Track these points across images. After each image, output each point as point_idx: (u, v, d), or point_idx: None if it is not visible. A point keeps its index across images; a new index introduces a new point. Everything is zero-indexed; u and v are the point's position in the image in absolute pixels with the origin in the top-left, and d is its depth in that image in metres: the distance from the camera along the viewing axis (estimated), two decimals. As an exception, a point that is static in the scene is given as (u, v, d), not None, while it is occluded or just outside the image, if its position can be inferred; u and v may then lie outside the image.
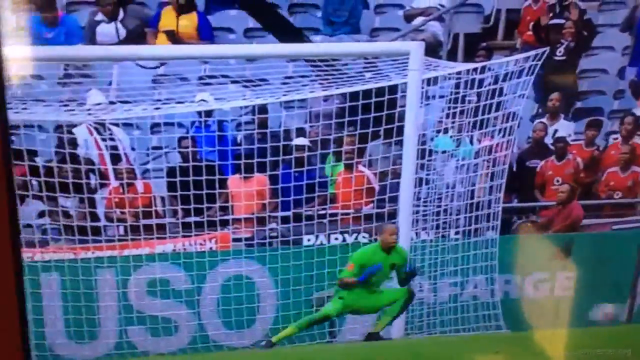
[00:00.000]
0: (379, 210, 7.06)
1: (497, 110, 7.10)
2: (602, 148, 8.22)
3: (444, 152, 7.29)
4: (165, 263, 6.92)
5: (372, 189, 7.43)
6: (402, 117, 6.86)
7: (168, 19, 8.72)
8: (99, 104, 7.54)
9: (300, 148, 7.46)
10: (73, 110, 7.28)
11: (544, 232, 7.49)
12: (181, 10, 8.73)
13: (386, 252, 6.04)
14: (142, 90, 7.50)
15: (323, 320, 6.14)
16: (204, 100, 7.51)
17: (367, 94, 6.95)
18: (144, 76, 8.35)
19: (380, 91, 6.93)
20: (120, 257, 6.86)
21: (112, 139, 7.66)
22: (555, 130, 8.24)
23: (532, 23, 8.86)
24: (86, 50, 7.99)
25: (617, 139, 8.19)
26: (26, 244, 6.68)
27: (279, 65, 7.79)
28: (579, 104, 8.90)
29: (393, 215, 6.82)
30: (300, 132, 7.68)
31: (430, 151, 7.12)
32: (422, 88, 6.82)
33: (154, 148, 7.69)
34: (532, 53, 7.15)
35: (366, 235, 7.10)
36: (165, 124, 7.51)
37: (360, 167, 7.54)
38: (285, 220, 7.24)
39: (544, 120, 8.37)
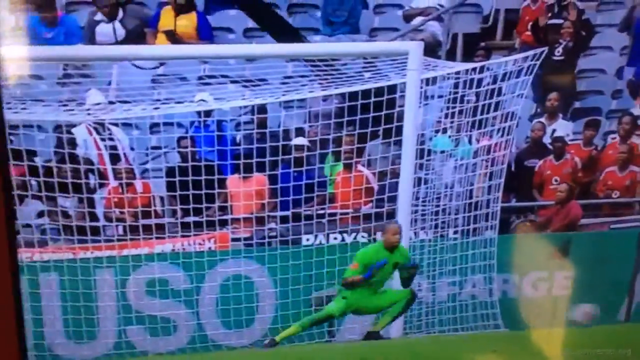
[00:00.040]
0: (378, 210, 7.07)
1: (495, 110, 7.11)
2: (600, 148, 8.23)
3: (442, 151, 7.30)
4: (164, 263, 6.93)
5: (371, 188, 7.44)
6: (401, 117, 6.87)
7: (167, 19, 8.73)
8: (98, 103, 7.55)
9: (299, 148, 7.47)
10: (72, 110, 7.29)
11: (543, 232, 7.50)
12: (180, 10, 8.74)
13: (389, 251, 6.06)
14: (142, 90, 7.51)
15: (326, 319, 6.16)
16: (203, 100, 7.51)
17: (366, 93, 6.96)
18: (143, 76, 8.36)
19: (379, 91, 6.94)
20: (119, 257, 6.87)
21: (111, 139, 7.66)
22: (554, 130, 8.25)
23: (530, 23, 8.87)
24: (85, 50, 8.00)
25: (615, 138, 8.20)
26: (25, 244, 6.69)
27: (279, 65, 7.80)
28: (577, 104, 8.91)
29: (392, 214, 6.84)
30: (300, 132, 7.68)
31: (429, 151, 7.13)
32: (421, 88, 6.82)
33: (153, 148, 7.70)
34: (530, 53, 7.16)
35: (365, 234, 7.11)
36: (165, 123, 7.52)
37: (359, 167, 7.55)
38: (284, 220, 7.25)
39: (543, 120, 8.38)
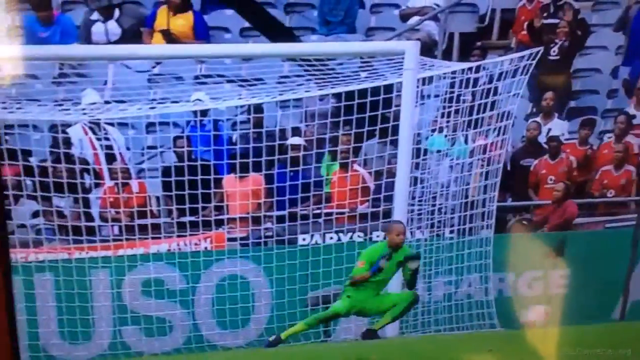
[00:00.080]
0: (374, 210, 7.06)
1: (491, 109, 7.11)
2: (596, 147, 8.24)
3: (438, 151, 7.30)
4: (160, 263, 6.92)
5: (367, 188, 7.44)
6: (397, 117, 6.87)
7: (164, 19, 8.71)
8: (94, 103, 7.54)
9: (295, 147, 7.46)
10: (68, 109, 7.27)
11: (538, 231, 7.50)
12: (177, 10, 8.73)
13: (393, 250, 6.07)
14: (138, 89, 7.49)
15: (332, 317, 6.18)
16: (199, 100, 7.50)
17: (362, 93, 6.95)
18: (139, 76, 8.34)
19: (375, 90, 6.94)
20: (114, 257, 6.85)
21: (107, 139, 7.65)
22: (549, 129, 8.26)
23: (526, 23, 8.88)
24: (81, 49, 7.97)
25: (610, 137, 8.21)
26: (20, 244, 6.67)
27: (275, 64, 7.79)
28: (572, 103, 8.92)
29: (388, 214, 6.83)
30: (296, 131, 7.68)
31: (425, 150, 7.13)
32: (417, 87, 6.82)
33: (149, 147, 7.69)
34: (526, 52, 7.16)
35: (361, 234, 7.11)
36: (161, 123, 7.51)
37: (356, 167, 7.55)
38: (280, 219, 7.24)
39: (538, 119, 8.39)
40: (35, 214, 7.16)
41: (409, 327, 6.66)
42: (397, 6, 9.49)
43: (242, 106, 7.70)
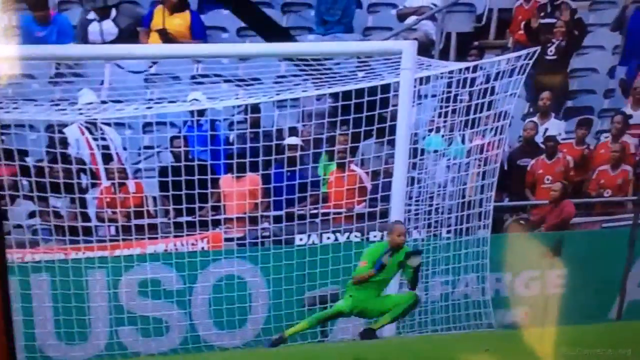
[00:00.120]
0: (371, 209, 7.06)
1: (488, 109, 7.11)
2: (593, 146, 8.25)
3: (435, 151, 7.30)
4: (157, 263, 6.91)
5: (364, 188, 7.44)
6: (394, 116, 6.87)
7: (160, 18, 8.70)
8: (90, 103, 7.52)
9: (292, 147, 7.46)
10: (64, 109, 7.26)
11: (536, 230, 7.51)
12: (174, 9, 8.71)
13: (394, 251, 6.07)
14: (134, 89, 7.48)
15: (336, 316, 6.20)
16: (196, 100, 7.50)
17: (359, 93, 6.95)
18: (135, 75, 8.32)
19: (372, 90, 6.94)
20: (111, 257, 6.84)
21: (103, 139, 7.64)
22: (546, 129, 8.26)
23: (523, 22, 8.89)
24: (78, 49, 7.96)
25: (607, 137, 8.22)
26: (16, 245, 6.65)
27: (272, 64, 7.79)
28: (569, 103, 8.94)
29: (385, 214, 6.84)
30: (293, 131, 7.67)
31: (422, 150, 7.13)
32: (415, 87, 6.82)
33: (146, 147, 7.68)
34: (523, 52, 7.17)
35: (358, 234, 7.11)
36: (157, 123, 7.50)
37: (353, 166, 7.55)
38: (277, 219, 7.24)
39: (535, 119, 8.40)
40: (31, 214, 7.15)
41: (406, 327, 6.67)
42: (394, 6, 9.49)
43: (239, 106, 7.69)
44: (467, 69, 7.17)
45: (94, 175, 7.52)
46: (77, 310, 6.68)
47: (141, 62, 8.41)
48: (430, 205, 7.02)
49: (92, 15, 8.74)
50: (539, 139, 8.22)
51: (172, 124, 7.86)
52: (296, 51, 7.59)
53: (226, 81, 7.98)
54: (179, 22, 8.74)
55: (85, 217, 7.22)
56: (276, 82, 7.58)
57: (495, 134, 7.14)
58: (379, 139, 7.23)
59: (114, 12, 8.77)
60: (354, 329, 6.54)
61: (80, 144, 7.57)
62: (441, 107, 7.26)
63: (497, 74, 7.15)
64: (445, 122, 7.28)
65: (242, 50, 7.77)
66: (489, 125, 7.16)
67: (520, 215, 7.82)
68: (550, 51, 8.64)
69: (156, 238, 7.07)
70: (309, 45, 8.30)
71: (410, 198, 6.90)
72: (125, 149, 7.68)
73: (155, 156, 7.73)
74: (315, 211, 7.22)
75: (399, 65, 6.75)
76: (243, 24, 8.94)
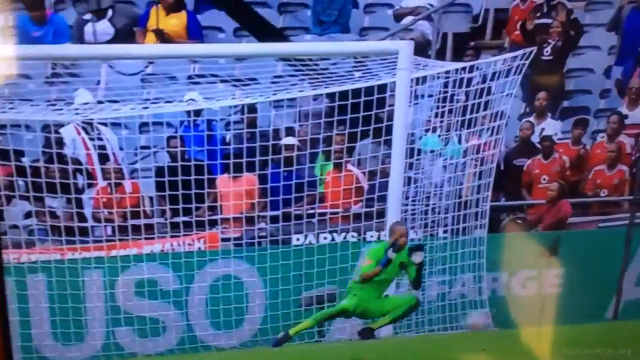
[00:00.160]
0: (368, 209, 7.07)
1: (485, 109, 7.12)
2: (589, 146, 8.27)
3: (432, 151, 7.31)
4: (154, 263, 6.90)
5: (361, 188, 7.44)
6: (391, 117, 6.88)
7: (156, 18, 8.69)
8: (86, 103, 7.51)
9: (289, 147, 7.46)
10: (61, 109, 7.24)
11: (532, 230, 7.52)
12: (170, 9, 8.70)
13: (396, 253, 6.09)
14: (131, 89, 7.47)
15: (340, 314, 6.21)
16: (192, 100, 7.49)
17: (356, 93, 6.95)
18: (130, 76, 8.31)
19: (369, 90, 6.94)
20: (107, 257, 6.83)
21: (100, 139, 7.62)
22: (542, 129, 8.28)
23: (520, 23, 8.90)
24: (74, 49, 7.94)
25: (603, 137, 8.24)
26: (12, 245, 6.64)
27: (269, 64, 7.79)
28: (565, 103, 8.96)
29: (382, 214, 6.84)
30: (290, 131, 7.68)
31: (419, 150, 7.14)
32: (411, 87, 6.83)
33: (143, 147, 7.66)
34: (519, 52, 7.19)
35: (355, 234, 7.12)
36: (154, 123, 7.49)
37: (349, 166, 7.55)
38: (274, 219, 7.24)
39: (531, 119, 8.42)
40: (27, 215, 7.13)
41: (403, 326, 6.67)
42: (390, 6, 9.50)
43: (235, 106, 7.69)
44: (464, 69, 7.19)
45: (91, 175, 7.50)
46: (73, 311, 6.67)
47: (137, 62, 8.39)
48: (427, 205, 7.03)
49: (88, 15, 8.72)
50: (535, 139, 8.24)
51: (169, 124, 7.86)
52: (293, 51, 7.59)
53: (223, 81, 7.98)
54: (176, 22, 8.73)
55: (82, 218, 7.21)
56: (273, 82, 7.58)
57: (491, 134, 7.16)
58: (375, 139, 7.24)
59: (110, 12, 8.76)
60: (352, 329, 6.54)
61: (77, 144, 7.56)
62: (438, 107, 7.27)
63: (494, 74, 7.16)
64: (441, 122, 7.29)
65: (239, 50, 7.77)
66: (485, 125, 7.18)
67: (516, 215, 7.84)
68: (547, 51, 8.65)
69: (153, 238, 7.06)
70: (305, 46, 8.30)
71: (407, 198, 6.90)
72: (121, 149, 7.67)
73: (152, 156, 7.71)
74: (312, 211, 7.22)
75: (396, 65, 6.76)
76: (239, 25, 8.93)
